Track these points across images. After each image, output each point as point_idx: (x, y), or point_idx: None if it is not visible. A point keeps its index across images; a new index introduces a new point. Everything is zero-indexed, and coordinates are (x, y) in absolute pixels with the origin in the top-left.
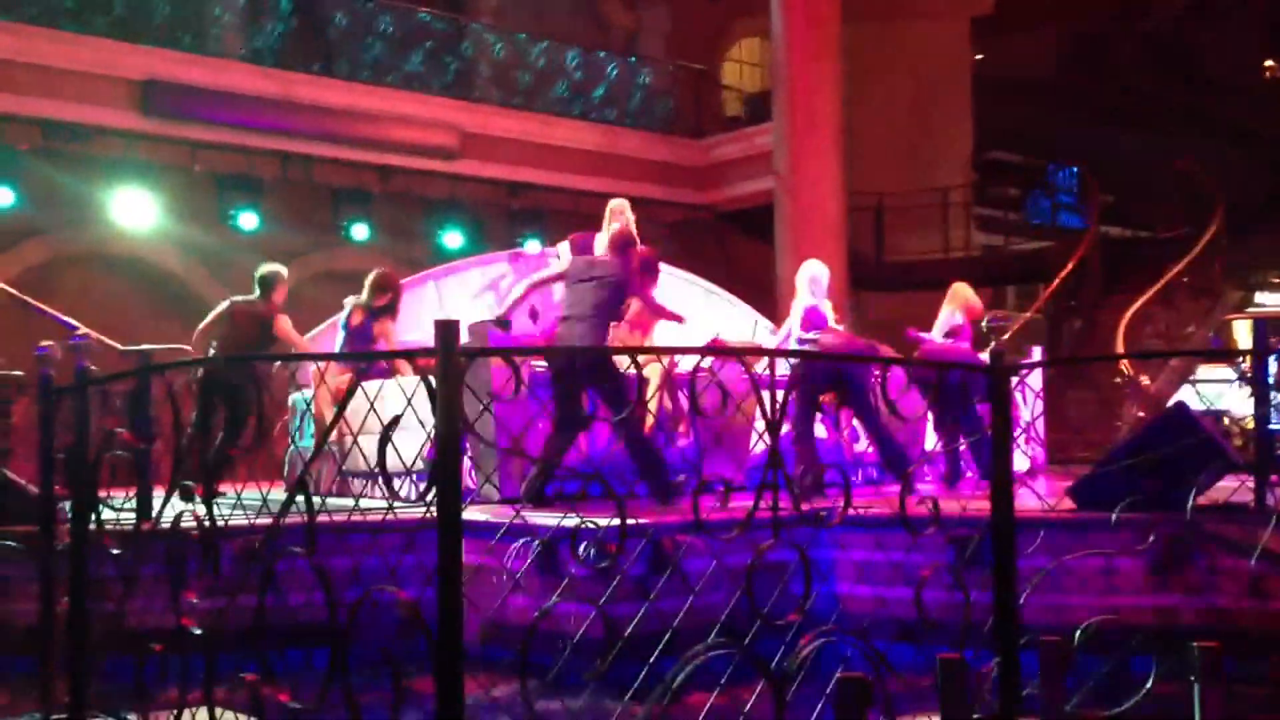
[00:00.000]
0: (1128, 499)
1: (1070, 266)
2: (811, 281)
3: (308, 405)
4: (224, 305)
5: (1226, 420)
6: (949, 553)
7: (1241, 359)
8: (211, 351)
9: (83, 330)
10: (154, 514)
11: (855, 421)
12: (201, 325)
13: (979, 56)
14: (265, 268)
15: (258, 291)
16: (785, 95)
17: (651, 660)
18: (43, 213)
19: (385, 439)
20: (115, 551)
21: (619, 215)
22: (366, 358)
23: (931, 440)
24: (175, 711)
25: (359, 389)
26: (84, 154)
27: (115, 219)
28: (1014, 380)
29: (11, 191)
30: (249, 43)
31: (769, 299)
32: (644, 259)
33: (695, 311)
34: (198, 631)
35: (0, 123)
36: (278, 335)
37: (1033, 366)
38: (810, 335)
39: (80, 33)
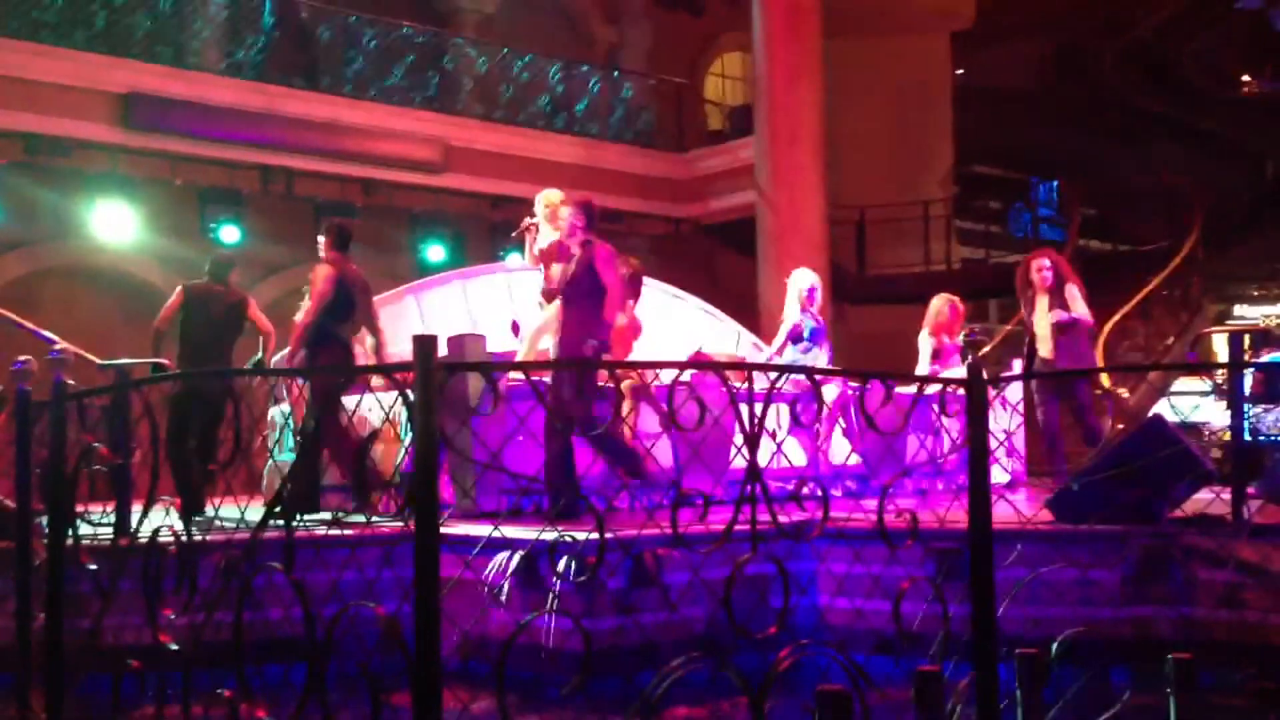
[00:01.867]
0: (1105, 511)
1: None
2: (803, 293)
3: (286, 419)
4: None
5: (1205, 433)
6: (928, 565)
7: (1219, 372)
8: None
9: (60, 344)
10: (132, 529)
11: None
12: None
13: (960, 70)
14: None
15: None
16: (767, 109)
17: (631, 674)
18: (23, 226)
19: (363, 453)
20: (92, 567)
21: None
22: (343, 372)
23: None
24: None
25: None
26: (65, 167)
27: (96, 232)
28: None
29: None
30: (231, 56)
31: (752, 312)
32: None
33: (677, 325)
34: (175, 648)
35: None
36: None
37: (1011, 380)
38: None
39: (62, 46)
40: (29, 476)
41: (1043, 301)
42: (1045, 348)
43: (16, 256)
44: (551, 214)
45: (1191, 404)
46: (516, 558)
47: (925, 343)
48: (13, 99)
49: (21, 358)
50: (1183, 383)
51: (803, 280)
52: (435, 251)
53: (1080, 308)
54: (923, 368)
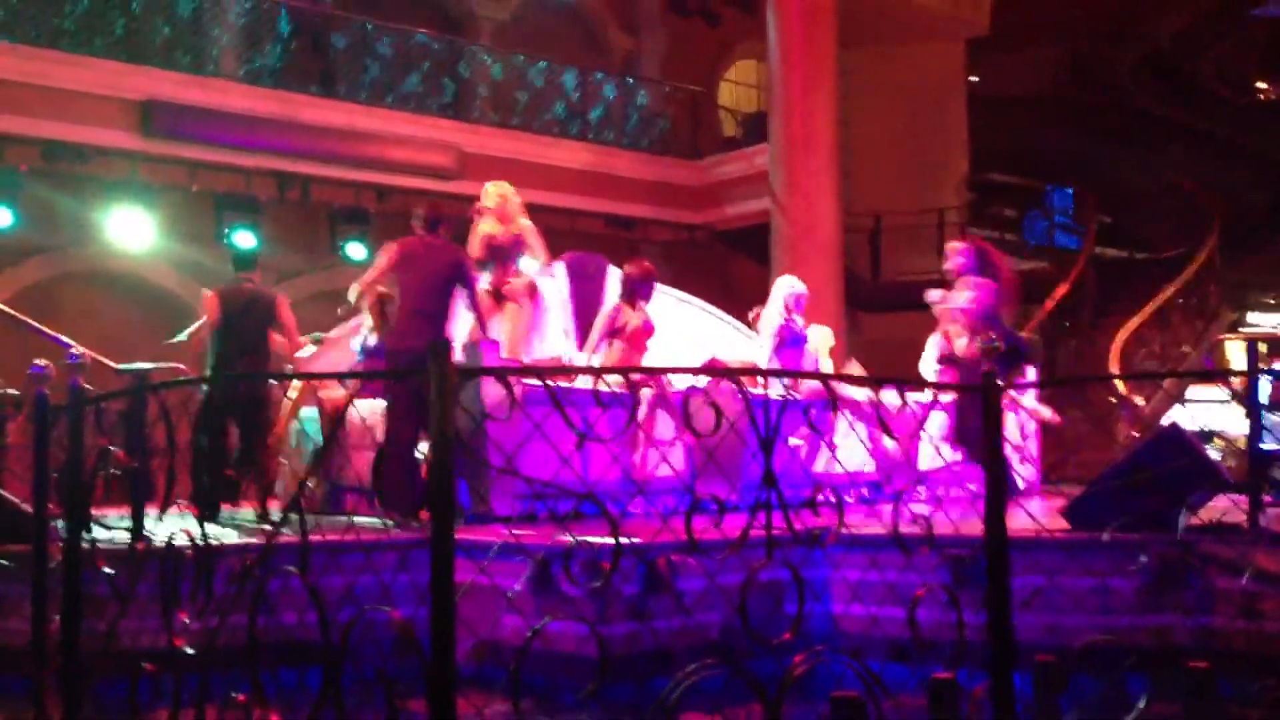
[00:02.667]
0: (1121, 519)
1: (1066, 287)
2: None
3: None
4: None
5: (1220, 440)
6: (943, 572)
7: (1235, 379)
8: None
9: (78, 349)
10: (148, 533)
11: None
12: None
13: (974, 78)
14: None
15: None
16: (781, 117)
17: (645, 680)
18: (42, 232)
19: (380, 458)
20: (108, 571)
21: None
22: (360, 376)
23: (925, 460)
24: None
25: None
26: (83, 174)
27: (114, 238)
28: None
29: (10, 211)
30: (248, 64)
31: None
32: None
33: (691, 331)
34: (190, 651)
35: (0, 143)
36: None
37: (1027, 387)
38: None
39: (81, 53)
40: (47, 480)
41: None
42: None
43: (35, 262)
44: (502, 205)
45: (1208, 411)
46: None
47: (934, 343)
48: (32, 105)
49: (39, 362)
50: (1199, 390)
51: (788, 287)
52: None
53: (960, 298)
54: (927, 364)
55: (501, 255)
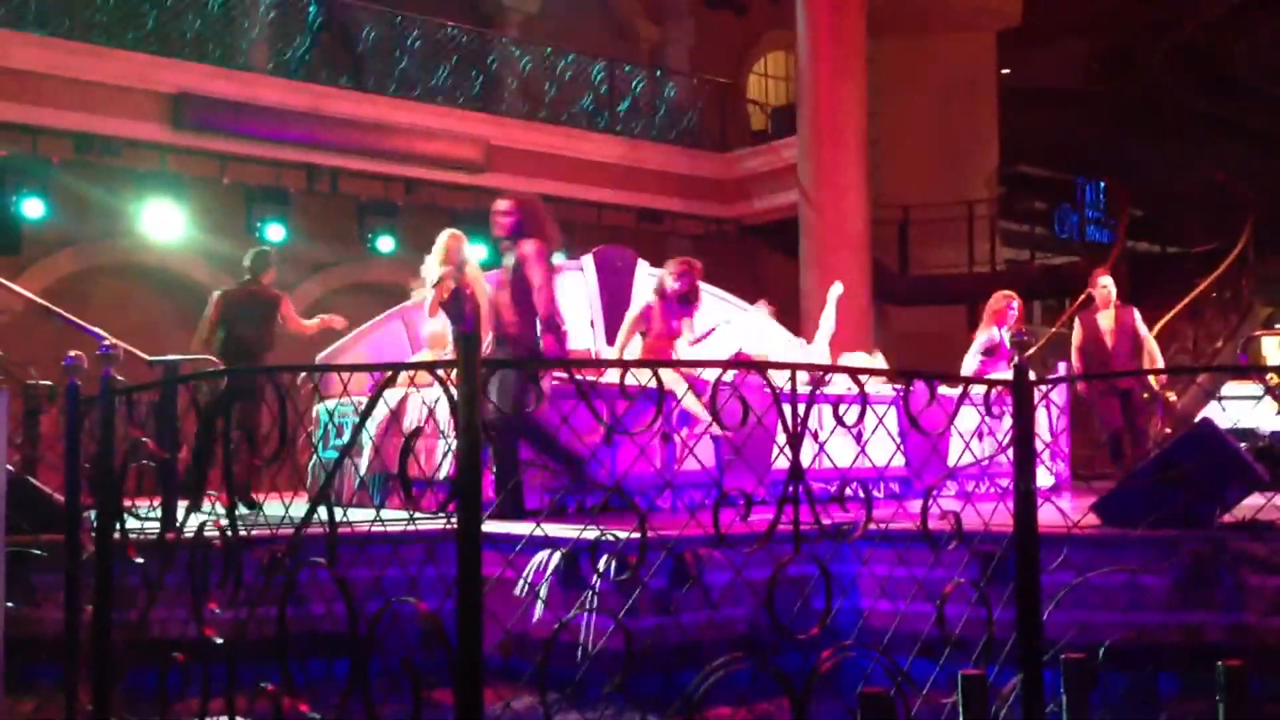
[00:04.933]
0: (1153, 515)
1: None
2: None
3: (330, 416)
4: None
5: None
6: (972, 568)
7: (1270, 375)
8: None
9: (110, 340)
10: (178, 523)
11: None
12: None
13: (1006, 70)
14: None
15: (249, 275)
16: (810, 109)
17: (671, 673)
18: (74, 224)
19: (407, 449)
20: (139, 560)
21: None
22: (386, 369)
23: (954, 456)
24: None
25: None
26: (115, 166)
27: (145, 230)
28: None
29: (43, 203)
30: (278, 56)
31: (794, 312)
32: None
33: (718, 325)
34: (219, 641)
35: (33, 135)
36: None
37: (1057, 381)
38: None
39: (112, 46)
40: (78, 470)
41: None
42: None
43: (68, 254)
44: (447, 256)
45: (1242, 407)
46: (556, 557)
47: (981, 335)
48: (64, 98)
49: (71, 353)
50: (1233, 386)
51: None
52: (477, 250)
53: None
54: (969, 359)
55: (451, 312)
